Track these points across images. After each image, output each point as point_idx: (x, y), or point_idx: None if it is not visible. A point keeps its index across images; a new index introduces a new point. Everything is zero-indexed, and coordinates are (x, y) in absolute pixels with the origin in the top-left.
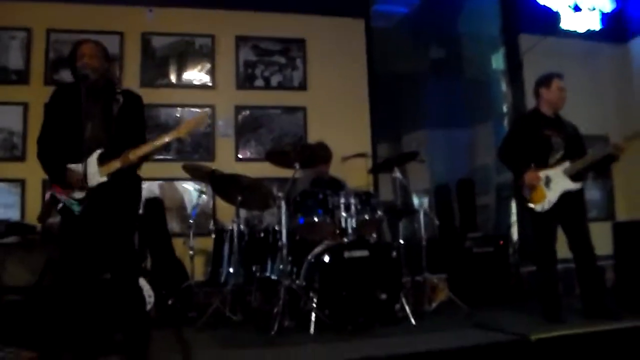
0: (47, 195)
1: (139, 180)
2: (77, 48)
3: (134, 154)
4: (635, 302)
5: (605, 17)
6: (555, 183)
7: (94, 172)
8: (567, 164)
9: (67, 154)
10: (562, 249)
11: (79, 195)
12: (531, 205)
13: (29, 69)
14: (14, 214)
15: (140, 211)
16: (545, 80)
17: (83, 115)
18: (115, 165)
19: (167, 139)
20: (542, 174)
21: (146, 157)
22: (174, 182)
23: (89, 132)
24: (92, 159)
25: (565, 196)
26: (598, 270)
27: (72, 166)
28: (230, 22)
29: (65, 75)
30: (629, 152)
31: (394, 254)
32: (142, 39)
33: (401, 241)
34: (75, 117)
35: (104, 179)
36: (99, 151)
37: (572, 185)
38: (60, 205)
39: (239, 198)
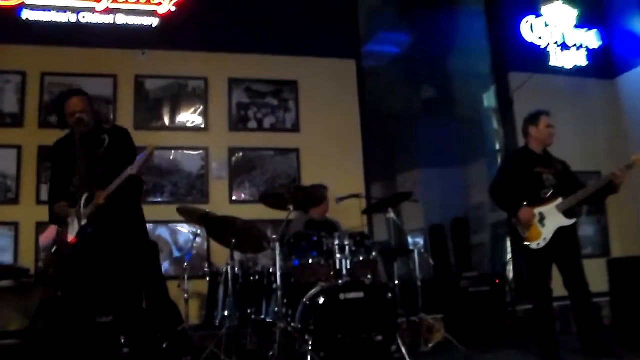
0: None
1: (139, 221)
2: (65, 104)
3: (102, 196)
4: (633, 339)
5: (592, 53)
6: (549, 220)
7: (81, 215)
8: (560, 200)
9: (68, 201)
10: (558, 287)
11: (70, 236)
12: (527, 243)
13: (23, 112)
14: (7, 258)
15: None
16: (533, 118)
17: (75, 163)
18: (90, 209)
19: (123, 176)
20: (536, 211)
21: (118, 196)
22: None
23: (77, 182)
24: (80, 205)
25: (560, 232)
26: (594, 307)
27: (71, 210)
28: (223, 64)
29: None
30: (623, 187)
31: (390, 295)
32: (136, 82)
33: (396, 282)
34: (68, 169)
35: (84, 221)
36: (85, 195)
37: (566, 222)
38: (54, 248)
39: (233, 240)
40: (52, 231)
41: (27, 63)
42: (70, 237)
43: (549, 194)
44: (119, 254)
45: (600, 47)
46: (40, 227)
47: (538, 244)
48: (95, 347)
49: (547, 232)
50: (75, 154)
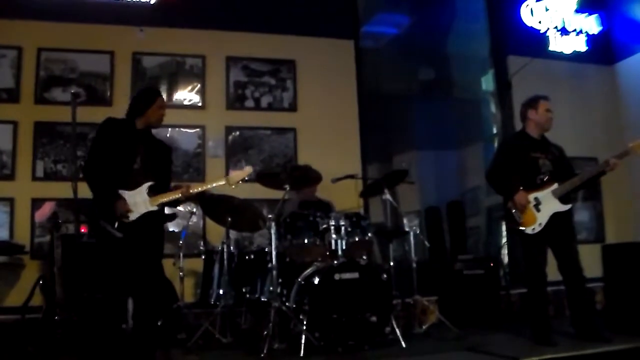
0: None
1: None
2: (157, 98)
3: (193, 189)
4: (625, 325)
5: (591, 39)
6: (544, 205)
7: (142, 201)
8: (555, 186)
9: (120, 181)
10: (552, 271)
11: (132, 217)
12: (522, 227)
13: (19, 87)
14: (2, 234)
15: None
16: (532, 102)
17: (138, 152)
18: (170, 196)
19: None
20: (531, 196)
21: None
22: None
23: (138, 165)
24: (142, 189)
25: (555, 218)
26: (588, 292)
27: (123, 192)
28: (221, 42)
29: (56, 94)
30: (619, 173)
31: (384, 276)
32: (133, 59)
33: (391, 263)
34: (129, 149)
35: (154, 208)
36: (150, 183)
37: (561, 207)
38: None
39: (229, 219)
40: (47, 207)
41: (24, 38)
42: (133, 217)
43: (544, 179)
44: (159, 238)
45: (600, 33)
46: (36, 203)
47: (533, 228)
48: (93, 324)
49: (542, 217)
50: (136, 143)
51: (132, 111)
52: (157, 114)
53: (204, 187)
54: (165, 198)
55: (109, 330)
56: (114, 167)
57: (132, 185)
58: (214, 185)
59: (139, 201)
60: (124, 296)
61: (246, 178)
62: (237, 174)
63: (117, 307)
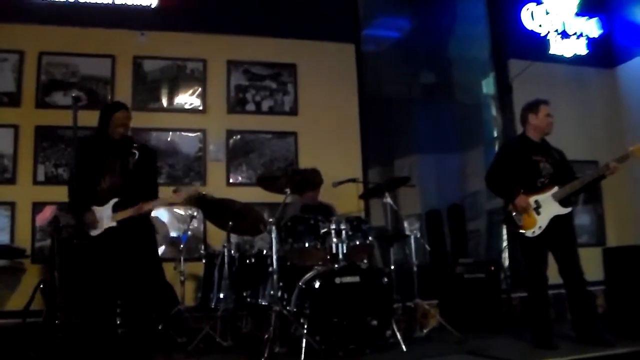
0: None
1: (152, 226)
2: (114, 113)
3: (146, 206)
4: (627, 328)
5: (592, 42)
6: (545, 208)
7: (107, 216)
8: (555, 189)
9: (92, 198)
10: (553, 275)
11: (94, 233)
12: (522, 230)
13: (20, 91)
14: (3, 237)
15: None
16: (532, 107)
17: (106, 165)
18: (127, 213)
19: (168, 201)
20: (532, 199)
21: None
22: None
23: (107, 183)
24: (108, 206)
25: (555, 221)
26: (589, 295)
27: (95, 208)
28: (222, 46)
29: (57, 98)
30: (619, 176)
31: (385, 279)
32: (134, 63)
33: (392, 267)
34: (96, 168)
35: (113, 224)
36: (114, 200)
37: (561, 210)
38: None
39: (230, 223)
40: (48, 211)
41: (25, 42)
42: (95, 232)
43: (545, 183)
44: (134, 246)
45: (600, 36)
46: (37, 207)
47: (533, 231)
48: (92, 329)
49: (542, 220)
50: (106, 157)
51: (100, 125)
52: (115, 132)
53: (157, 204)
54: (124, 215)
55: (100, 335)
56: (86, 185)
57: (101, 202)
58: (161, 204)
59: (104, 216)
60: (107, 301)
61: (196, 197)
62: (184, 192)
63: (103, 312)
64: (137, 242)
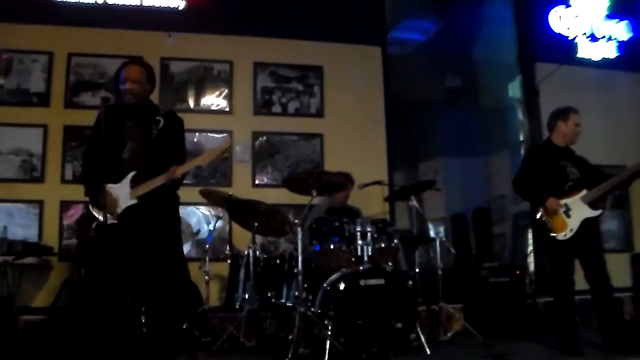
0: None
1: (177, 200)
2: (122, 70)
3: (180, 170)
4: None
5: (621, 45)
6: (574, 211)
7: (126, 194)
8: (584, 192)
9: (107, 174)
10: (579, 280)
11: (111, 219)
12: (553, 234)
13: (49, 91)
14: (31, 235)
15: None
16: (563, 114)
17: (125, 137)
18: (156, 182)
19: (195, 163)
20: (561, 202)
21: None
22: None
23: (127, 153)
24: (125, 182)
25: (584, 225)
26: (615, 302)
27: (109, 187)
28: (249, 48)
29: (85, 99)
30: None
31: (410, 282)
32: (161, 64)
33: (417, 270)
34: (116, 138)
35: (134, 201)
36: (132, 173)
37: (591, 213)
38: (95, 224)
39: (255, 224)
40: (76, 210)
41: (55, 43)
42: (112, 218)
43: (573, 186)
44: (156, 234)
45: (630, 39)
46: (65, 206)
47: (564, 234)
48: (116, 325)
49: (573, 223)
50: (124, 127)
51: (114, 91)
52: (121, 90)
53: (192, 164)
54: (147, 188)
55: (124, 333)
56: (102, 159)
57: (119, 176)
58: (193, 166)
59: (121, 195)
60: (128, 297)
61: (226, 154)
62: (212, 151)
63: (121, 308)
64: (161, 227)
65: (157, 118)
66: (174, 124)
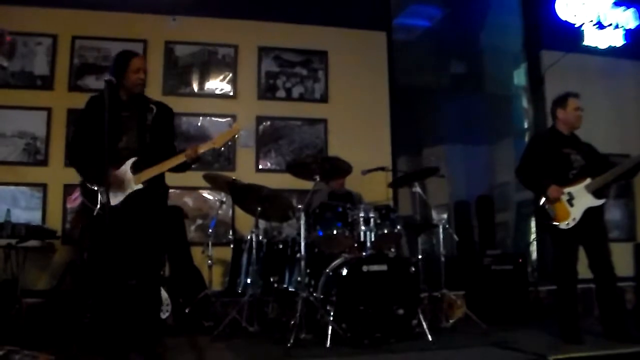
0: (76, 202)
1: (167, 189)
2: (131, 60)
3: (201, 148)
4: None
5: (628, 33)
6: (578, 200)
7: (129, 179)
8: (588, 180)
9: (102, 160)
10: (581, 269)
11: (115, 200)
12: (556, 223)
13: (53, 74)
14: (35, 218)
15: None
16: (560, 101)
17: (121, 126)
18: (175, 161)
19: (208, 146)
20: (565, 191)
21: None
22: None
23: (123, 142)
24: (126, 167)
25: (588, 213)
26: (618, 291)
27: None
28: (253, 32)
29: (89, 82)
30: None
31: (413, 269)
32: (166, 47)
33: (420, 256)
34: (113, 128)
35: (139, 186)
36: (132, 159)
37: (595, 202)
38: (97, 209)
39: (259, 209)
40: (79, 193)
41: (59, 26)
42: (116, 200)
43: (577, 174)
44: (155, 217)
45: (637, 27)
46: (68, 189)
47: (567, 223)
48: (119, 309)
49: (576, 212)
50: (120, 114)
51: (116, 76)
52: (132, 79)
53: (205, 147)
54: (151, 173)
55: (121, 318)
56: (99, 147)
57: (118, 163)
58: (209, 147)
59: (127, 179)
60: (126, 281)
61: (236, 137)
62: (224, 134)
63: (117, 294)
64: (163, 213)
65: (151, 106)
66: (165, 113)
